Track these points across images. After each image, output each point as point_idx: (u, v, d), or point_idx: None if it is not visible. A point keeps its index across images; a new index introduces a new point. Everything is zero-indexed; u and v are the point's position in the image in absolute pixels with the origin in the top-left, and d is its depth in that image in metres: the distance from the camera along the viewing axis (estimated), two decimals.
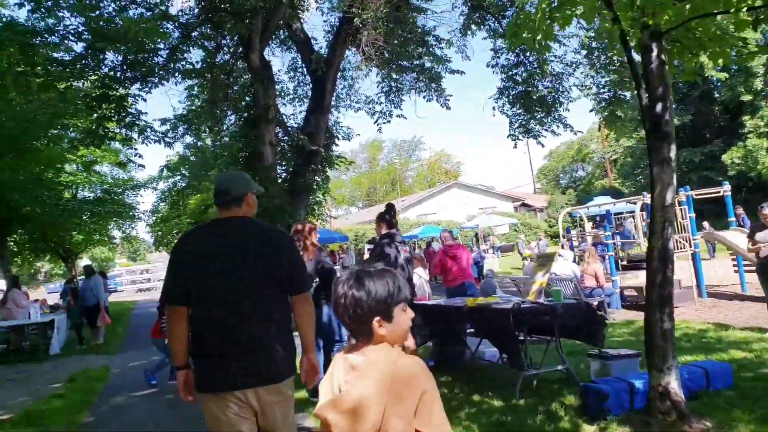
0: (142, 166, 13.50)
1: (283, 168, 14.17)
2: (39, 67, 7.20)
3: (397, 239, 5.34)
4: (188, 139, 12.98)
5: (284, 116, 15.29)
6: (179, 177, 23.60)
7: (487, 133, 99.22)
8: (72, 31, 8.93)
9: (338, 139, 14.68)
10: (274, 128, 12.90)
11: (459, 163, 63.97)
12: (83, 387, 7.41)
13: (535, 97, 12.25)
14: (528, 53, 12.13)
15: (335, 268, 5.74)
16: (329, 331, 5.55)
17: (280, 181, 13.26)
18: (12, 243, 18.65)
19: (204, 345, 2.49)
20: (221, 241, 2.53)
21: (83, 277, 13.04)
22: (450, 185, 44.82)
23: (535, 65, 12.26)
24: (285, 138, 14.30)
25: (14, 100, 11.56)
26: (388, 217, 5.41)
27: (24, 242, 21.79)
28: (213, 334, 2.46)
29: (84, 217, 15.63)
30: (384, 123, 13.77)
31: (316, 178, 13.82)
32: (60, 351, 11.29)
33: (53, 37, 8.86)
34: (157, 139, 10.56)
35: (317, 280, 5.46)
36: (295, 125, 14.85)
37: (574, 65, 12.31)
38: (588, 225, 18.23)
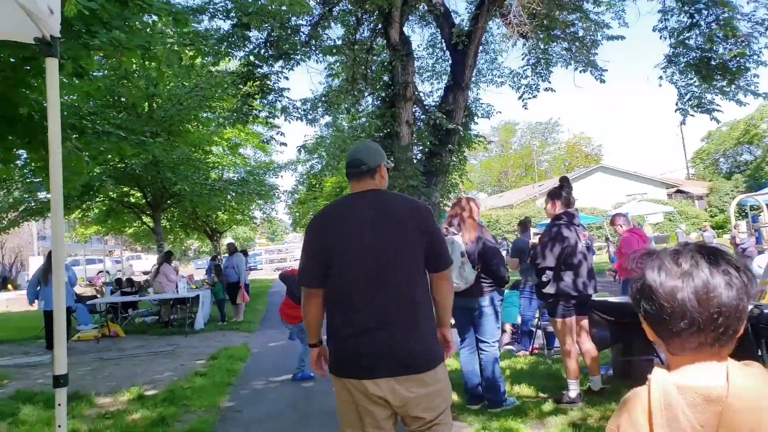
0: (284, 143, 13.85)
1: (419, 148, 13.87)
2: (189, 38, 7.18)
3: (575, 220, 4.44)
4: (327, 119, 12.85)
5: (422, 94, 14.92)
6: (316, 160, 24.01)
7: (631, 114, 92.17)
8: (221, 9, 8.95)
9: (477, 116, 13.95)
10: (411, 107, 12.55)
11: (600, 147, 59.86)
12: (224, 366, 7.32)
13: (714, 63, 10.49)
14: (705, 11, 10.42)
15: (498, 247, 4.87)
16: (487, 328, 4.76)
17: (415, 161, 12.96)
18: (165, 220, 19.99)
19: (343, 326, 2.34)
20: (362, 215, 2.39)
21: (227, 254, 13.44)
22: (593, 169, 41.42)
23: (714, 26, 10.47)
24: (422, 117, 14.02)
25: (169, 79, 12.09)
26: (564, 193, 4.54)
27: (176, 220, 23.39)
28: (354, 315, 2.32)
29: (228, 197, 16.23)
30: (530, 98, 12.67)
31: (453, 158, 13.28)
32: (204, 326, 11.64)
33: (203, 16, 8.93)
34: (299, 116, 10.42)
35: (479, 264, 4.69)
36: (433, 103, 14.49)
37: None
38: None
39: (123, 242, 41.02)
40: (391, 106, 12.50)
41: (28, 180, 12.22)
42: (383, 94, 13.22)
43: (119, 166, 13.16)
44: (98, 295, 14.03)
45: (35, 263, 26.74)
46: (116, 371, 7.54)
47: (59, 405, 2.48)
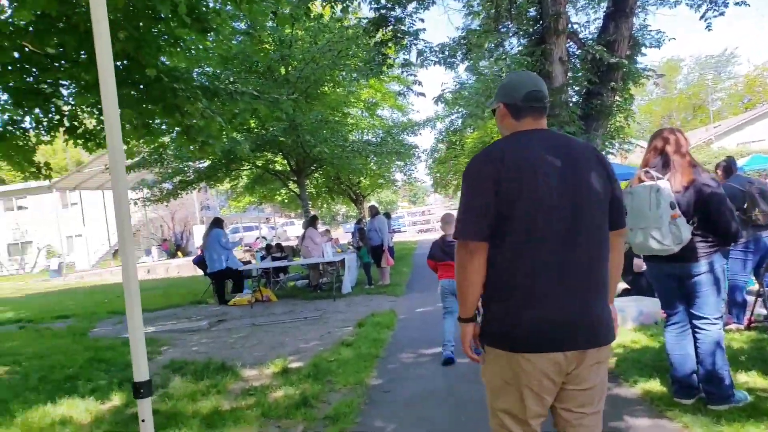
0: (422, 94, 12.89)
1: (575, 89, 12.40)
2: None
3: None
4: (467, 64, 11.73)
5: (576, 26, 13.28)
6: (456, 115, 22.94)
7: None
8: None
9: (645, 47, 12.06)
10: (564, 41, 11.09)
11: None
12: (371, 335, 6.79)
13: None
14: None
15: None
16: (706, 300, 3.56)
17: (571, 104, 11.58)
18: (310, 186, 20.26)
19: (520, 290, 1.95)
20: (544, 157, 2.00)
21: (370, 217, 13.04)
22: None
23: None
24: (578, 52, 12.49)
25: (302, 37, 11.80)
26: None
27: (321, 185, 23.76)
28: (536, 277, 1.94)
29: (368, 159, 15.84)
30: (715, 16, 10.48)
31: (616, 98, 11.63)
32: (351, 290, 11.36)
33: None
34: (436, 60, 9.41)
35: (695, 218, 3.50)
36: (590, 36, 12.85)
37: None
38: None
39: (277, 209, 43.38)
40: (540, 43, 11.24)
41: (181, 150, 12.65)
42: (531, 31, 11.93)
43: (260, 132, 13.20)
44: (251, 261, 14.44)
45: (199, 232, 28.98)
46: (265, 338, 7.35)
47: (143, 421, 1.85)
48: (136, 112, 6.99)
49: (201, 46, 8.84)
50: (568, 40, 11.42)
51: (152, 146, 13.20)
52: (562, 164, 1.99)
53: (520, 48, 12.73)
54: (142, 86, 6.79)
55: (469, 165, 2.11)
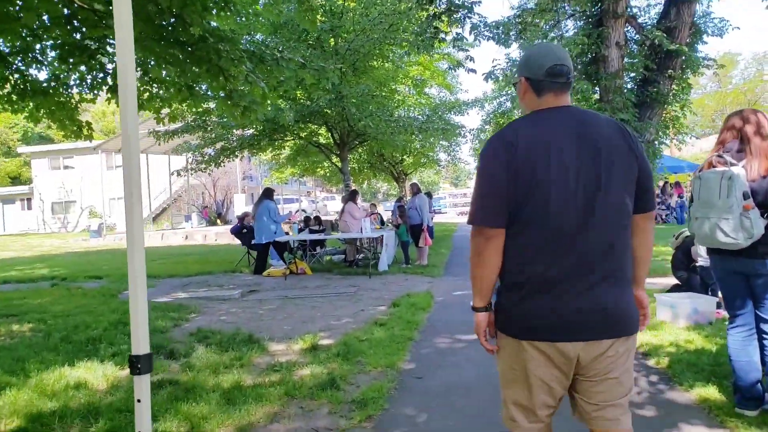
0: (473, 70, 12.28)
1: (631, 75, 11.91)
2: None
3: None
4: (519, 44, 11.22)
5: (636, 9, 12.70)
6: (504, 97, 22.27)
7: None
8: None
9: (706, 35, 11.51)
10: (623, 25, 10.61)
11: None
12: (405, 316, 6.54)
13: None
14: None
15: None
16: None
17: (626, 90, 11.11)
18: (353, 161, 20.03)
19: (537, 276, 1.86)
20: (564, 137, 1.87)
21: (411, 196, 12.73)
22: None
23: None
24: (635, 37, 11.99)
25: (354, 8, 11.48)
26: None
27: (363, 161, 23.52)
28: (555, 263, 1.84)
29: (412, 136, 15.46)
30: None
31: (673, 86, 11.15)
32: (388, 268, 11.14)
33: None
34: (490, 36, 8.95)
35: None
36: (650, 21, 12.30)
37: None
38: None
39: (318, 183, 43.45)
40: (597, 26, 10.84)
41: (224, 118, 12.54)
42: (588, 12, 11.44)
43: (305, 103, 12.95)
44: (289, 233, 14.34)
45: (239, 201, 29.25)
46: (295, 312, 7.19)
47: (138, 401, 1.62)
48: (179, 72, 6.82)
49: (251, 10, 8.67)
50: (627, 24, 10.95)
51: (196, 111, 13.19)
52: (581, 144, 1.87)
53: (576, 30, 12.23)
54: (187, 46, 6.61)
55: (483, 148, 2.00)
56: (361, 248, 12.35)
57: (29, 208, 42.68)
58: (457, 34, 8.76)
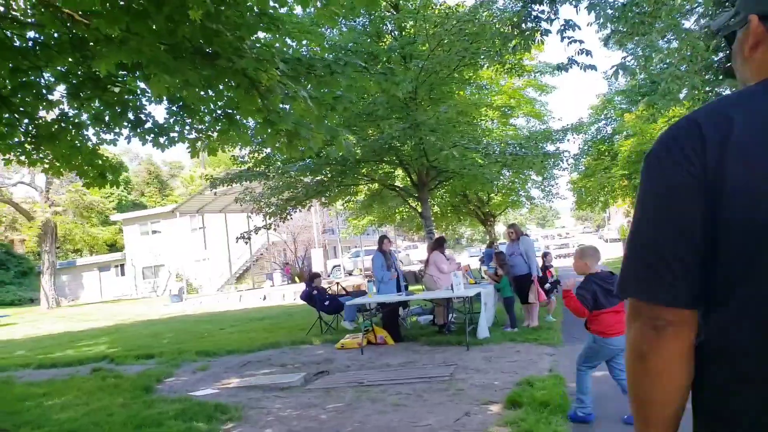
0: (593, 66, 9.84)
1: None
2: None
3: None
4: (659, 26, 8.76)
5: None
6: (604, 122, 19.59)
7: None
8: None
9: None
10: None
11: None
12: (534, 428, 4.19)
13: None
14: None
15: None
16: None
17: None
18: (433, 205, 17.90)
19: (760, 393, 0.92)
20: None
21: (509, 240, 10.32)
22: None
23: None
24: None
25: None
26: None
27: (445, 204, 21.40)
28: None
29: (503, 168, 13.15)
30: None
31: None
32: (489, 334, 8.73)
33: None
34: (615, 17, 6.53)
35: None
36: None
37: None
38: None
39: (399, 232, 41.44)
40: None
41: (286, 160, 10.81)
42: None
43: (373, 136, 11.00)
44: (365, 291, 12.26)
45: (317, 256, 27.70)
46: (371, 416, 5.00)
47: None
48: (204, 88, 5.11)
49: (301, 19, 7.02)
50: None
51: (252, 151, 11.65)
52: None
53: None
54: (206, 56, 4.89)
55: (649, 153, 1.05)
56: (452, 308, 10.06)
57: (123, 274, 43.65)
58: (566, 21, 6.52)
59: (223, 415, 5.26)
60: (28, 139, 5.83)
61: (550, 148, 14.48)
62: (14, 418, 5.61)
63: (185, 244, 30.48)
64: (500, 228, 38.98)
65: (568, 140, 17.07)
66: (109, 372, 8.23)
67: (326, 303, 11.02)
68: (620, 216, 65.28)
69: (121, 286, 43.04)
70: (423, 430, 4.47)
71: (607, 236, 54.33)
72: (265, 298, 22.95)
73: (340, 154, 8.99)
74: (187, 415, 5.22)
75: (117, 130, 6.33)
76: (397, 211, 20.85)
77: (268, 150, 11.27)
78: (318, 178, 12.49)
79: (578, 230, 78.12)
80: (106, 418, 5.30)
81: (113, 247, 52.17)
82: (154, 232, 41.06)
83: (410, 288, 12.69)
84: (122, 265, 43.87)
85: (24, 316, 26.37)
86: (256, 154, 11.74)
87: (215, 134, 6.69)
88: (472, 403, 5.18)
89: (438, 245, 10.11)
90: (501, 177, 15.55)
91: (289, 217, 13.43)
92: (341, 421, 4.93)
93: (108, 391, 6.76)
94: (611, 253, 32.97)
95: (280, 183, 12.67)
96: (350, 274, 28.09)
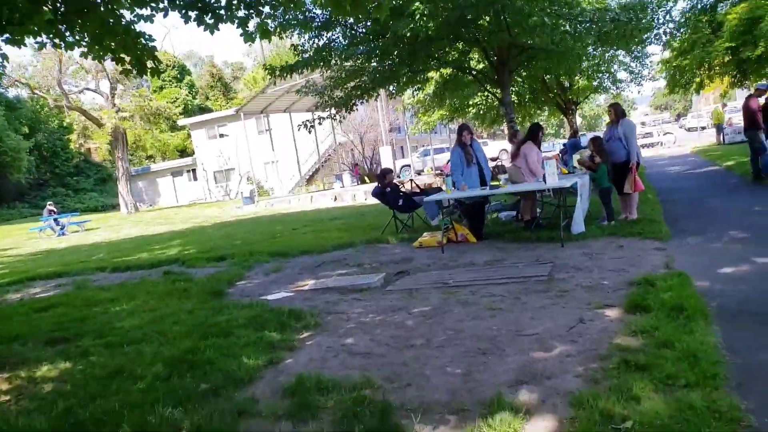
0: None
1: None
2: None
3: None
4: None
5: None
6: None
7: None
8: None
9: None
10: None
11: None
12: (674, 337, 3.36)
13: None
14: None
15: None
16: None
17: None
18: (512, 92, 16.33)
19: None
20: None
21: (609, 123, 8.99)
22: None
23: None
24: None
25: None
26: None
27: (524, 90, 19.75)
28: None
29: (595, 43, 11.43)
30: None
31: None
32: (584, 229, 7.78)
33: None
34: None
35: None
36: None
37: None
38: None
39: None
40: None
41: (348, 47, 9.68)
42: None
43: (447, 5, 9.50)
44: (442, 187, 11.44)
45: (386, 154, 26.88)
46: (464, 323, 4.33)
47: None
48: None
49: None
50: None
51: (312, 37, 10.56)
52: None
53: None
54: None
55: None
56: (540, 202, 9.08)
57: (195, 178, 44.73)
58: None
59: (298, 323, 4.74)
60: (57, 17, 5.12)
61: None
62: (79, 326, 5.34)
63: (253, 147, 30.35)
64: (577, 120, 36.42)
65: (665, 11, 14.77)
66: (180, 275, 7.99)
67: (399, 203, 10.30)
68: (704, 103, 59.65)
69: (194, 191, 44.21)
70: (531, 341, 3.74)
71: (688, 125, 50.35)
72: (336, 199, 22.66)
73: (410, 27, 7.78)
74: (258, 323, 4.73)
75: (153, 4, 5.50)
76: (471, 103, 19.42)
77: (329, 34, 10.19)
78: (386, 62, 11.31)
79: (658, 120, 72.77)
80: (170, 327, 4.90)
81: (184, 152, 53.28)
82: (221, 135, 41.23)
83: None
84: (194, 170, 44.85)
85: (105, 222, 27.52)
86: (316, 39, 10.67)
87: (267, 8, 5.77)
88: (583, 307, 4.38)
89: (532, 135, 8.92)
90: (587, 56, 13.77)
91: (354, 108, 12.48)
92: (431, 328, 4.28)
93: (176, 295, 6.44)
94: (694, 142, 30.31)
95: (343, 74, 11.64)
96: (419, 174, 27.24)
